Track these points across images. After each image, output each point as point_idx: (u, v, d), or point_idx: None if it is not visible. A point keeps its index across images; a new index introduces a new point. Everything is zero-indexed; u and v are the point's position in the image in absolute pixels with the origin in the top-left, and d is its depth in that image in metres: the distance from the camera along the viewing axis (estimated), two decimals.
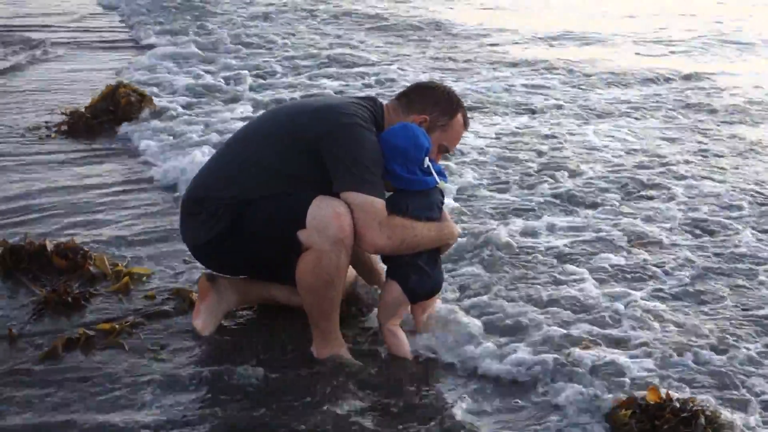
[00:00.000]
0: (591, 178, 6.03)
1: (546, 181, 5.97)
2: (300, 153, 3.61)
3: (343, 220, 3.48)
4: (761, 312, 4.26)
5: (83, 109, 7.16)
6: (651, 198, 5.72)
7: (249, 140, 3.82)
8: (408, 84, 4.23)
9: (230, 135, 4.09)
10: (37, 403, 3.39)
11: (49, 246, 4.39)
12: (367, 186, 3.54)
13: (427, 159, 3.70)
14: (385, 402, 3.45)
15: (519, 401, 3.53)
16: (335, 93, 7.90)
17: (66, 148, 6.60)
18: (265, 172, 3.63)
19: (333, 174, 3.57)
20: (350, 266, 4.06)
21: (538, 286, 4.41)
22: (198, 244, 3.78)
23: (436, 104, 3.84)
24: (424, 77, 8.35)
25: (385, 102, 3.92)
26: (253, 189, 3.62)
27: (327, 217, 3.48)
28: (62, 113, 7.14)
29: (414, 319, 3.88)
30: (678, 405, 3.34)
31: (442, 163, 4.07)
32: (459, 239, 4.38)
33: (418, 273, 3.71)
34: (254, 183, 3.63)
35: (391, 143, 3.67)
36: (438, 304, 3.98)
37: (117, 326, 3.88)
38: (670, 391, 3.42)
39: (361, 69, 9.15)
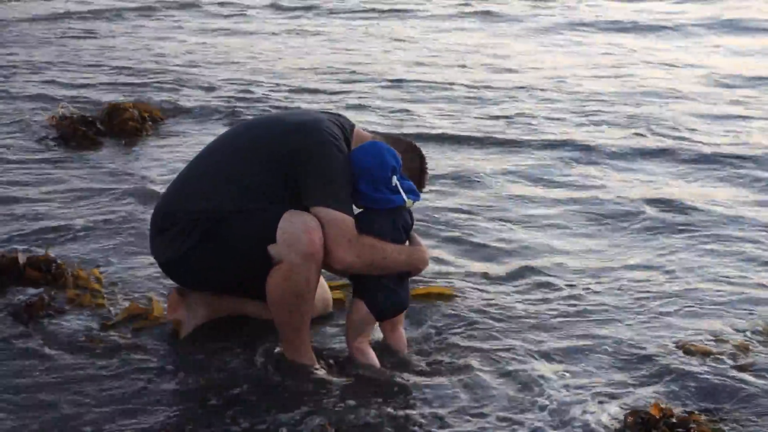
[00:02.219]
0: None
1: None
2: (271, 168, 3.59)
3: (313, 234, 3.46)
4: None
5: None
6: None
7: (221, 154, 3.77)
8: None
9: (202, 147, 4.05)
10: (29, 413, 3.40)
11: (21, 259, 4.31)
12: (338, 202, 3.54)
13: (395, 177, 3.69)
14: (352, 417, 3.40)
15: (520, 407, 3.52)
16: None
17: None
18: (236, 187, 3.60)
19: (304, 189, 3.55)
20: (328, 290, 4.13)
21: None
22: (167, 260, 3.73)
23: (410, 163, 3.85)
24: None
25: (357, 127, 3.92)
26: (223, 204, 3.58)
27: (297, 231, 3.46)
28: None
29: (384, 336, 3.87)
30: (675, 421, 3.37)
31: None
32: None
33: (383, 292, 3.70)
34: (224, 198, 3.59)
35: (358, 162, 3.67)
36: None
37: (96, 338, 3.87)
38: (673, 408, 3.45)
39: None
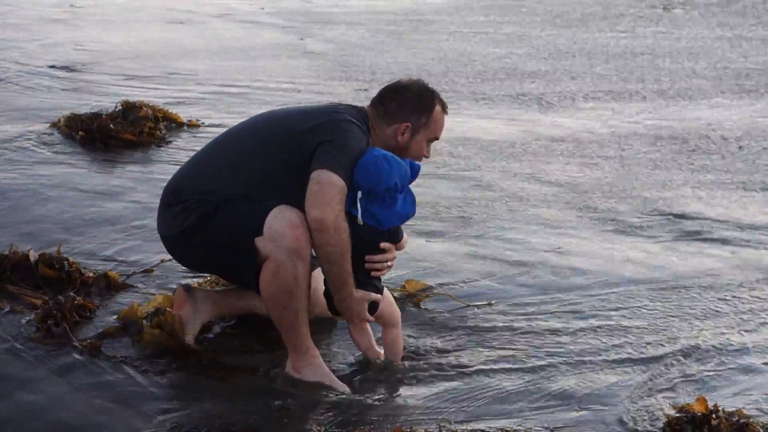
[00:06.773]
0: None
1: None
2: (283, 151, 3.63)
3: (297, 230, 3.48)
4: None
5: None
6: None
7: (237, 140, 3.83)
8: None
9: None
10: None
11: (33, 256, 4.21)
12: (339, 167, 3.51)
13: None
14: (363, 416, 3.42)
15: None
16: None
17: None
18: (247, 173, 3.65)
19: (316, 156, 3.54)
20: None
21: None
22: (167, 235, 3.80)
23: (412, 106, 3.83)
24: None
25: (365, 108, 3.89)
26: (230, 188, 3.64)
27: (282, 227, 3.49)
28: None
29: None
30: (725, 416, 3.33)
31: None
32: None
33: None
34: (233, 182, 3.64)
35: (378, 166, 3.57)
36: None
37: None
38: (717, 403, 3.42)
39: None
